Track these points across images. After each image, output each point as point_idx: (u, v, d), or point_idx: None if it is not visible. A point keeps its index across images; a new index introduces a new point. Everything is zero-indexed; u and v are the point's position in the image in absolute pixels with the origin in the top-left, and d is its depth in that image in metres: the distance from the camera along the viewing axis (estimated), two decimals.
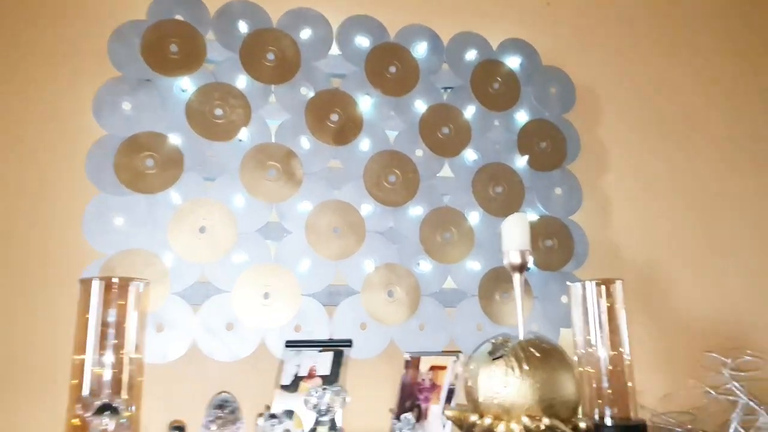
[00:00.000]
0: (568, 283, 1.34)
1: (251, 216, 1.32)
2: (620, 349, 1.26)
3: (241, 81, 1.39)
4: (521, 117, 1.57)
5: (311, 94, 1.42)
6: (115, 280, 1.02)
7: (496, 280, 1.43)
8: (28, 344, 1.23)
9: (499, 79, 1.55)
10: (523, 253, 1.26)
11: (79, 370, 0.97)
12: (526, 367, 0.96)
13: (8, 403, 1.20)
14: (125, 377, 0.99)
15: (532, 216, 1.51)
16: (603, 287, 1.28)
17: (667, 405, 1.46)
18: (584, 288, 1.32)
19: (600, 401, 1.19)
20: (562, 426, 0.94)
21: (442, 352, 1.34)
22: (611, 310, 1.30)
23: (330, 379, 1.15)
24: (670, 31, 1.84)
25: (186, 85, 1.36)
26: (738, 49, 1.89)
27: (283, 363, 1.19)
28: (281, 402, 1.14)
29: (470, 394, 1.01)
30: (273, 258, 1.32)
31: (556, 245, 1.49)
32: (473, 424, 0.98)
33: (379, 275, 1.36)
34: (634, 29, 1.81)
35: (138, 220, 1.26)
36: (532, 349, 0.99)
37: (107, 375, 0.97)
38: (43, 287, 1.25)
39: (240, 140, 1.36)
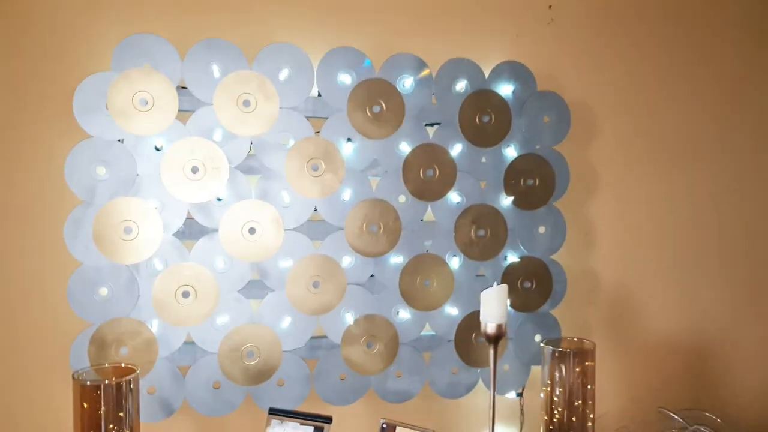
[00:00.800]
0: (541, 344, 1.40)
1: (233, 276, 1.35)
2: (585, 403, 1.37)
3: (218, 134, 1.33)
4: (510, 152, 1.52)
5: (292, 142, 1.37)
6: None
7: (471, 325, 1.48)
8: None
9: (490, 110, 1.48)
10: (499, 326, 1.31)
11: None
12: None
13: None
14: None
15: (513, 257, 1.52)
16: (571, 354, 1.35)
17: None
18: (554, 355, 1.39)
19: None
20: None
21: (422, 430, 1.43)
22: (581, 373, 1.38)
23: None
24: (678, 53, 1.72)
25: (160, 143, 1.30)
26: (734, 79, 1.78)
27: (267, 430, 1.28)
28: None
29: None
30: (254, 317, 1.36)
31: (534, 286, 1.52)
32: None
33: (359, 327, 1.41)
34: (638, 50, 1.69)
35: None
36: None
37: None
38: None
39: (219, 199, 1.33)
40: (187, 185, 1.29)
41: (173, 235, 1.31)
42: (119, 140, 1.28)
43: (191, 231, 1.33)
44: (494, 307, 1.31)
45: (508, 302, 1.50)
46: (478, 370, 1.50)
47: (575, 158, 1.60)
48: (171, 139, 1.30)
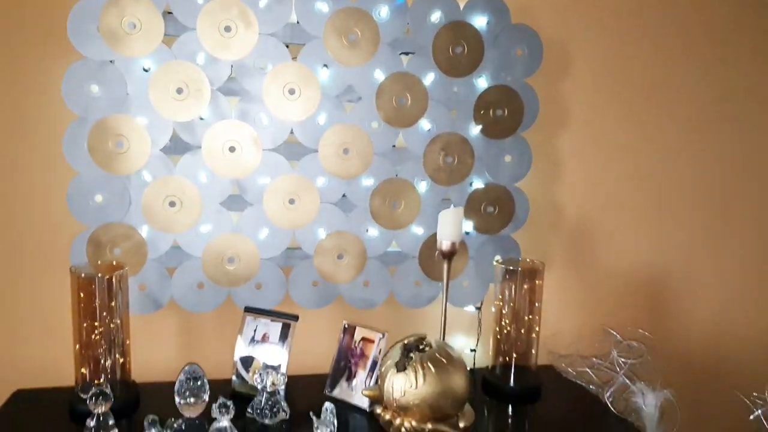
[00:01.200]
0: (495, 262, 1.54)
1: (215, 190, 1.48)
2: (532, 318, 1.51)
3: (201, 57, 1.43)
4: (482, 83, 1.59)
5: (270, 67, 1.47)
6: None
7: (434, 244, 1.61)
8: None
9: (463, 42, 1.54)
10: (453, 244, 1.44)
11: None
12: (421, 382, 1.21)
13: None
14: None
15: (478, 184, 1.62)
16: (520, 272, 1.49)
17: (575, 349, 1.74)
18: (505, 273, 1.52)
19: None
20: (444, 428, 1.23)
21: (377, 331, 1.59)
22: (530, 292, 1.52)
23: (278, 346, 1.42)
24: None
25: (148, 64, 1.41)
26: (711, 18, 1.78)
27: (243, 325, 1.45)
28: (241, 351, 1.43)
29: (380, 388, 1.28)
30: (235, 227, 1.51)
31: (496, 211, 1.63)
32: (378, 415, 1.27)
33: (331, 241, 1.55)
34: None
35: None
36: (430, 364, 1.23)
37: None
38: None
39: (201, 119, 1.45)
40: (173, 104, 1.41)
41: (161, 150, 1.44)
42: (111, 61, 1.39)
43: (177, 147, 1.46)
44: (449, 225, 1.43)
45: (472, 224, 1.62)
46: (440, 284, 1.64)
47: (546, 92, 1.67)
48: (157, 61, 1.41)
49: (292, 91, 1.46)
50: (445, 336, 1.47)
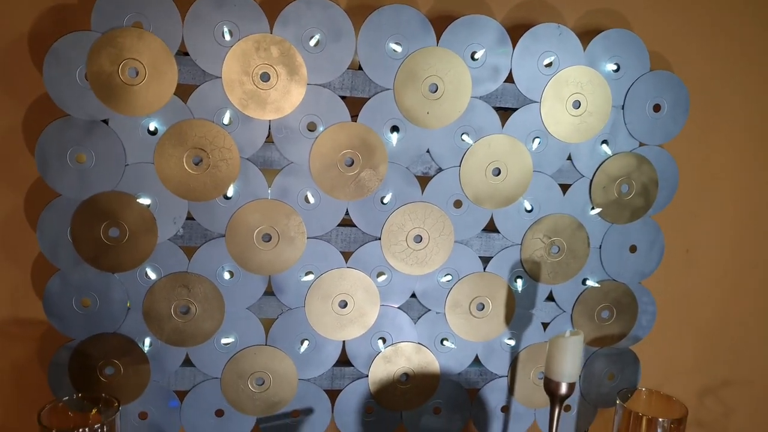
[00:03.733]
0: (618, 396, 1.13)
1: (242, 290, 1.10)
2: None
3: (226, 116, 1.04)
4: (605, 149, 1.17)
5: (321, 129, 1.07)
6: None
7: (528, 362, 1.21)
8: None
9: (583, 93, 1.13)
10: (572, 386, 1.05)
11: None
12: None
13: None
14: None
15: (592, 282, 1.21)
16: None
17: None
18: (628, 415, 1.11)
19: None
20: None
21: None
22: None
23: None
24: None
25: (155, 125, 1.03)
26: None
27: None
28: None
29: None
30: (266, 338, 1.13)
31: (613, 317, 1.22)
32: None
33: (392, 355, 1.17)
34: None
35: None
36: None
37: None
38: None
39: (226, 198, 1.06)
40: (188, 178, 1.03)
41: (169, 239, 1.06)
42: (104, 120, 1.00)
43: (192, 235, 1.07)
44: (569, 360, 1.03)
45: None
46: (534, 411, 1.25)
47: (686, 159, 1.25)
48: (167, 121, 1.01)
49: (349, 162, 1.07)
50: None
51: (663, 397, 1.16)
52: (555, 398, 1.05)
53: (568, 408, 1.26)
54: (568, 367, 1.03)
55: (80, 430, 0.92)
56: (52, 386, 1.07)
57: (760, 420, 1.43)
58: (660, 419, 1.09)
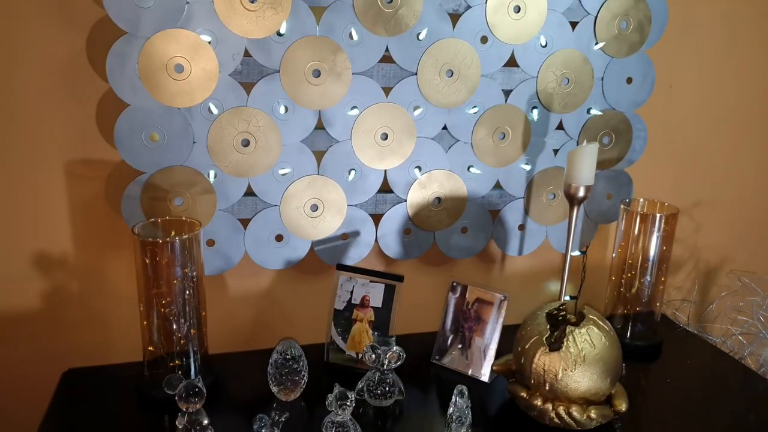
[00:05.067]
0: (621, 204, 1.33)
1: (296, 124, 1.21)
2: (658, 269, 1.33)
3: None
4: None
5: None
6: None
7: (543, 184, 1.39)
8: None
9: None
10: (588, 188, 1.23)
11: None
12: (581, 363, 1.02)
13: None
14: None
15: (595, 110, 1.38)
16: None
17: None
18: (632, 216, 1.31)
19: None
20: (609, 412, 1.04)
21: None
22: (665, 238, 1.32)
23: (382, 313, 1.21)
24: None
25: None
26: None
27: (337, 286, 1.23)
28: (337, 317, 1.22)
29: (521, 365, 1.08)
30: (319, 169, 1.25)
31: (612, 142, 1.40)
32: (523, 399, 1.08)
33: (427, 181, 1.31)
34: None
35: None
36: (593, 341, 1.03)
37: None
38: None
39: (280, 34, 1.15)
40: (245, 16, 1.10)
41: (229, 75, 1.15)
42: None
43: (250, 71, 1.16)
44: (587, 167, 1.20)
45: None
46: (544, 227, 1.44)
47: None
48: None
49: (388, 0, 1.17)
50: (579, 295, 1.28)
51: (655, 204, 1.37)
52: (574, 201, 1.24)
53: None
54: (586, 172, 1.21)
55: (174, 236, 1.05)
56: (126, 217, 1.16)
57: (722, 235, 1.68)
58: (657, 214, 1.30)
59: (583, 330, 1.04)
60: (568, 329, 1.04)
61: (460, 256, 1.39)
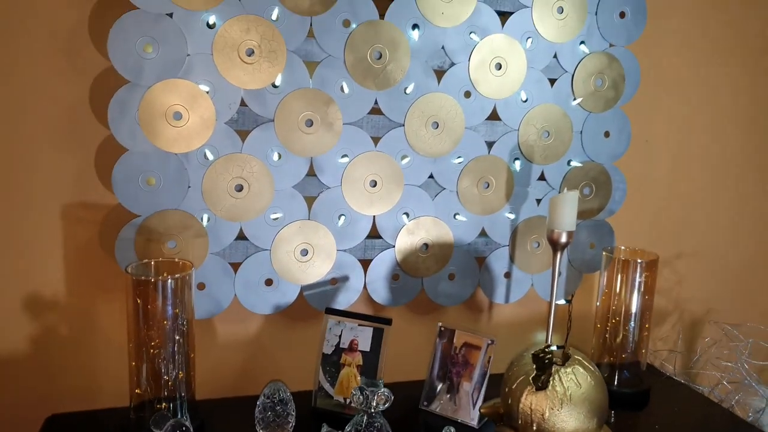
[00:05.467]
0: (604, 252, 1.37)
1: (288, 170, 1.26)
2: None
3: (275, 12, 1.19)
4: (583, 49, 1.40)
5: (354, 26, 1.24)
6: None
7: (527, 231, 1.43)
8: None
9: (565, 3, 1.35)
10: (570, 234, 1.26)
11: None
12: (568, 402, 1.03)
13: None
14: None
15: (576, 162, 1.44)
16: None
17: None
18: (615, 264, 1.35)
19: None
20: None
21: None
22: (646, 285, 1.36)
23: (370, 357, 1.22)
24: None
25: (213, 19, 1.16)
26: None
27: (325, 330, 1.24)
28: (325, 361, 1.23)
29: (508, 406, 1.09)
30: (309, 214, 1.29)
31: (593, 193, 1.46)
32: None
33: (415, 228, 1.35)
34: None
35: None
36: (578, 380, 1.04)
37: None
38: None
39: (275, 86, 1.21)
40: (242, 68, 1.17)
41: (225, 123, 1.20)
42: (168, 14, 1.14)
43: (245, 120, 1.22)
44: (568, 213, 1.25)
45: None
46: (530, 276, 1.47)
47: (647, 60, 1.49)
48: (224, 16, 1.16)
49: (378, 55, 1.24)
50: (566, 344, 1.29)
51: (637, 251, 1.41)
52: (557, 246, 1.27)
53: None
54: (567, 218, 1.25)
55: (166, 275, 1.07)
56: (119, 259, 1.19)
57: (704, 287, 1.72)
58: (638, 260, 1.34)
59: (569, 369, 1.06)
60: (554, 369, 1.06)
61: (448, 303, 1.42)
